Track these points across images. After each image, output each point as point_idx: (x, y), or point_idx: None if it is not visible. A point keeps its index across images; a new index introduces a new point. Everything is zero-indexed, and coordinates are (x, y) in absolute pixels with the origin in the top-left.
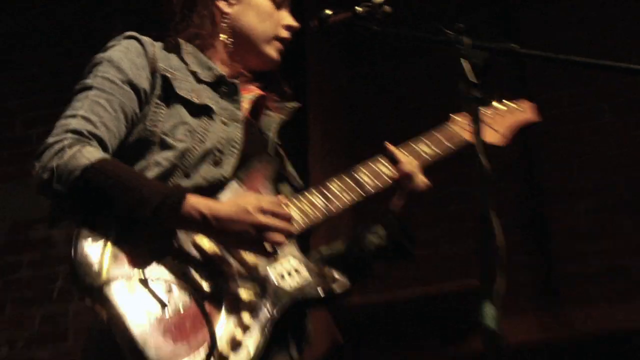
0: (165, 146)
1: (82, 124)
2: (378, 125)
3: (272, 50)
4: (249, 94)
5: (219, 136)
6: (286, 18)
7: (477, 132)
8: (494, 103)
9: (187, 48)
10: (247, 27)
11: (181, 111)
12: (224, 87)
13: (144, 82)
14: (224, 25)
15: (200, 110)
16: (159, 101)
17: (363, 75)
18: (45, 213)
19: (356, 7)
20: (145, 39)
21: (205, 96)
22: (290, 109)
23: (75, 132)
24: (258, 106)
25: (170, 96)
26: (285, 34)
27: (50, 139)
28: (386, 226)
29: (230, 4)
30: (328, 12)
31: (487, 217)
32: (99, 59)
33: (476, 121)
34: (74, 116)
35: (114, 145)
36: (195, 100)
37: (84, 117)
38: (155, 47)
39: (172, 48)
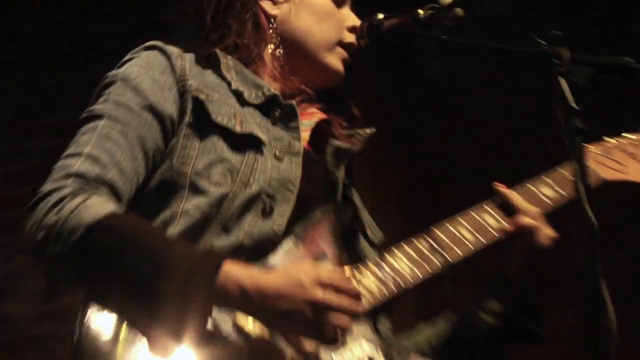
0: (196, 191)
1: (88, 166)
2: (444, 162)
3: (335, 60)
4: (309, 119)
5: (270, 176)
6: (350, 17)
7: (580, 174)
8: (607, 138)
9: (227, 61)
10: (301, 32)
11: (219, 144)
12: (278, 111)
13: (169, 107)
14: (272, 31)
15: (245, 143)
16: (190, 131)
17: (420, 97)
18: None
19: (418, 11)
20: (172, 50)
21: (253, 122)
22: (363, 137)
23: (79, 176)
24: (321, 135)
25: (204, 124)
26: (350, 37)
27: (47, 186)
28: (500, 299)
29: (277, 3)
30: (380, 15)
31: (596, 287)
32: (112, 78)
33: (579, 160)
34: (78, 155)
35: (131, 192)
36: (237, 130)
37: (91, 157)
38: (186, 60)
39: (208, 62)
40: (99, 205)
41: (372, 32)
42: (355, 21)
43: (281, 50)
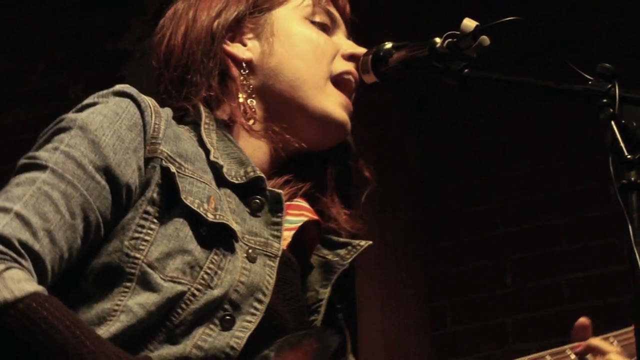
0: (146, 285)
1: (15, 229)
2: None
3: (330, 103)
4: (296, 215)
5: (236, 279)
6: (345, 44)
7: (635, 235)
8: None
9: (209, 121)
10: (281, 73)
11: (183, 231)
12: (259, 199)
13: (129, 174)
14: (242, 78)
15: (215, 234)
16: (150, 209)
17: (440, 140)
18: None
19: (435, 40)
20: (147, 103)
21: (227, 209)
22: (354, 250)
23: (0, 240)
24: (307, 239)
25: (170, 204)
26: (347, 66)
27: None
28: None
29: (244, 44)
30: (388, 44)
31: None
32: (68, 123)
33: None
34: (5, 211)
35: (60, 269)
36: (209, 217)
37: (21, 217)
38: (161, 119)
39: (186, 119)
40: (19, 283)
41: (379, 65)
42: (352, 47)
43: (253, 101)
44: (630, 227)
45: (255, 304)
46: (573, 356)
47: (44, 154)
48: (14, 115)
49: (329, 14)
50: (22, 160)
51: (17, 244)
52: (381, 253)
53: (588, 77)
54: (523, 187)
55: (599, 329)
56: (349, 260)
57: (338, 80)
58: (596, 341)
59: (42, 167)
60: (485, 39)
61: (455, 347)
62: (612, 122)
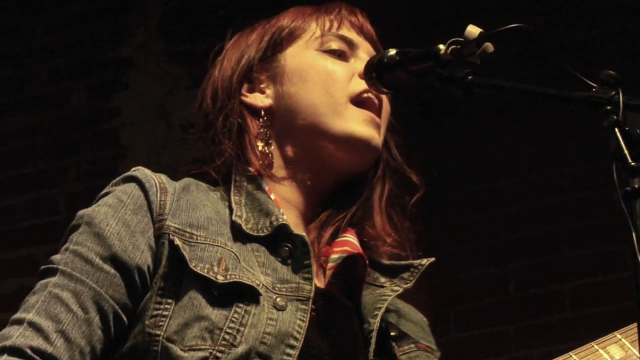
0: (168, 359)
1: (26, 337)
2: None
3: (351, 123)
4: (339, 252)
5: (261, 331)
6: (358, 62)
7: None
8: None
9: (239, 178)
10: (298, 110)
11: (197, 299)
12: (287, 245)
13: (139, 256)
14: (261, 126)
15: (231, 294)
16: (164, 285)
17: (445, 148)
18: None
19: (439, 46)
20: (153, 180)
21: (251, 265)
22: (417, 270)
23: (14, 351)
24: (358, 272)
25: (181, 275)
26: (364, 85)
27: None
28: None
29: (263, 92)
30: (392, 51)
31: None
32: (78, 220)
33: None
34: (20, 323)
35: None
36: (219, 280)
37: (33, 325)
38: (167, 194)
39: (216, 184)
40: None
41: (383, 72)
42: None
43: (271, 146)
44: (634, 234)
45: (288, 350)
46: None
47: (56, 257)
48: (17, 122)
49: (342, 38)
50: (44, 266)
51: (29, 351)
52: None
53: (592, 84)
54: (526, 194)
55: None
56: (409, 285)
57: (359, 101)
58: None
59: (53, 271)
60: (489, 46)
61: (458, 354)
62: (616, 129)
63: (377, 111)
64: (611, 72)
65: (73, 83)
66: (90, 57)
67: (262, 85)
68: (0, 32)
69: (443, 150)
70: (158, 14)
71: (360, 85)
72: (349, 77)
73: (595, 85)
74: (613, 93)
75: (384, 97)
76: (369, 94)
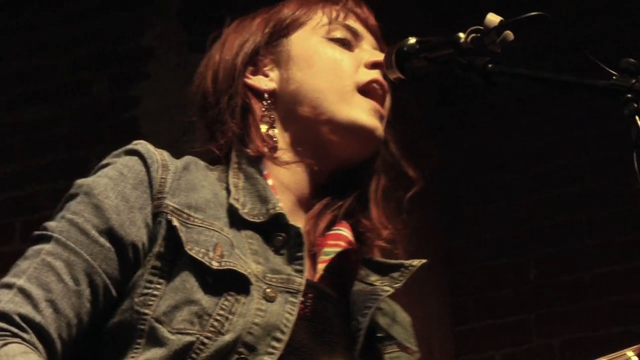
0: (154, 341)
1: (16, 304)
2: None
3: (356, 111)
4: (333, 245)
5: (249, 321)
6: (367, 53)
7: None
8: None
9: (238, 160)
10: (302, 94)
11: (189, 282)
12: (281, 235)
13: (135, 232)
14: (265, 109)
15: (224, 281)
16: (158, 264)
17: (465, 137)
18: None
19: (459, 35)
20: (155, 158)
21: (244, 252)
22: (407, 271)
23: (1, 317)
24: (350, 267)
25: (176, 257)
26: (370, 75)
27: None
28: None
29: (267, 75)
30: (412, 40)
31: None
32: (76, 189)
33: None
34: (9, 287)
35: (70, 335)
36: (214, 265)
37: (23, 291)
38: (169, 172)
39: (216, 164)
40: (14, 356)
41: (403, 60)
42: (374, 55)
43: (275, 130)
44: None
45: (273, 343)
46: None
47: (51, 224)
48: (38, 112)
49: (348, 28)
50: (35, 232)
51: (17, 318)
52: (403, 250)
53: (612, 72)
54: (546, 183)
55: (622, 325)
56: (398, 285)
57: (365, 90)
58: None
59: (47, 238)
60: (509, 34)
61: (478, 343)
62: (637, 118)
63: (382, 103)
64: (631, 60)
65: (93, 73)
66: (111, 48)
67: (265, 69)
68: (20, 24)
69: (463, 140)
70: (178, 3)
71: (367, 75)
72: (355, 66)
73: (615, 73)
74: (634, 81)
75: (388, 90)
76: (376, 85)
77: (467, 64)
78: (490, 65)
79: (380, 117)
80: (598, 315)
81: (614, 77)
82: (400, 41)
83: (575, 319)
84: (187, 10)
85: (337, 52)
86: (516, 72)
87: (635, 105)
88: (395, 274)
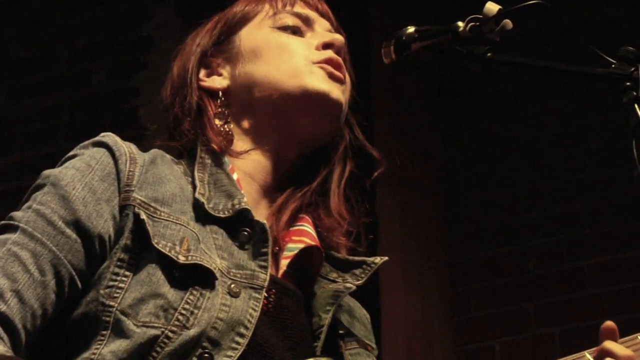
0: (119, 333)
1: None
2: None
3: (309, 78)
4: (297, 242)
5: (214, 316)
6: (317, 36)
7: None
8: None
9: (204, 155)
10: (253, 84)
11: (156, 275)
12: (246, 230)
13: (102, 224)
14: (220, 108)
15: (190, 275)
16: (124, 256)
17: (465, 127)
18: None
19: (458, 24)
20: (123, 149)
21: (209, 247)
22: (369, 268)
23: None
24: (313, 263)
25: (143, 250)
26: (323, 55)
27: None
28: None
29: (220, 74)
30: (411, 29)
31: None
32: (43, 179)
33: None
34: None
35: (34, 326)
36: (180, 260)
37: None
38: (137, 165)
39: (182, 158)
40: None
41: (402, 50)
42: (323, 37)
43: (230, 124)
44: None
45: (237, 339)
46: None
47: (18, 214)
48: (37, 103)
49: (297, 15)
50: (3, 221)
51: None
52: (404, 240)
53: (611, 60)
54: (545, 172)
55: (622, 314)
56: (360, 282)
57: (317, 62)
58: (610, 344)
59: (14, 228)
60: (508, 23)
61: (477, 333)
62: (636, 106)
63: (335, 65)
64: (630, 48)
65: (93, 63)
66: (110, 38)
67: (219, 69)
68: (20, 14)
69: (463, 130)
70: None
71: (321, 55)
72: (305, 48)
73: (614, 61)
74: (632, 69)
75: (345, 69)
76: (329, 64)
77: (466, 53)
78: (489, 54)
79: (337, 80)
80: (598, 304)
81: (613, 66)
82: (398, 30)
83: (575, 308)
84: (186, 0)
85: (284, 37)
86: (515, 60)
87: (634, 93)
88: (357, 271)
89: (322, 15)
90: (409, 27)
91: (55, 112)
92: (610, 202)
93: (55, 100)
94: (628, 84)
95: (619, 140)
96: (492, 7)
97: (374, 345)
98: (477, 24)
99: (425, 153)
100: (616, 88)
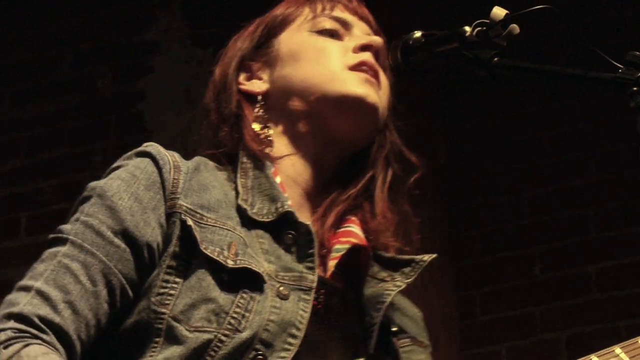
0: (172, 339)
1: (35, 306)
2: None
3: (345, 84)
4: (344, 242)
5: (265, 318)
6: (355, 39)
7: None
8: None
9: (246, 161)
10: (292, 88)
11: (206, 281)
12: (291, 233)
13: (150, 232)
14: (259, 112)
15: (239, 279)
16: (174, 263)
17: (472, 131)
18: None
19: (465, 28)
20: (167, 159)
21: (257, 251)
22: (418, 266)
23: (20, 319)
24: (361, 263)
25: (192, 256)
26: (359, 57)
27: None
28: None
29: (260, 78)
30: (417, 33)
31: None
32: (90, 191)
33: None
34: (27, 289)
35: (88, 336)
36: (229, 264)
37: (41, 294)
38: (181, 172)
39: (223, 165)
40: (36, 357)
41: (408, 54)
42: (361, 39)
43: (269, 129)
44: None
45: (289, 340)
46: None
47: (66, 227)
48: (42, 107)
49: (336, 19)
50: (52, 234)
51: (36, 320)
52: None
53: (618, 65)
54: (551, 176)
55: (629, 319)
56: (410, 281)
57: (355, 67)
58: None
59: (63, 241)
60: (515, 28)
61: (483, 337)
62: None
63: (373, 71)
64: (638, 53)
65: (98, 67)
66: (115, 41)
67: (258, 72)
68: (24, 17)
69: (469, 133)
70: None
71: (356, 58)
72: (343, 52)
73: (621, 66)
74: (639, 74)
75: (382, 73)
76: (365, 66)
77: (472, 58)
78: (495, 59)
79: (373, 85)
80: (604, 309)
81: (620, 70)
82: (405, 35)
83: (581, 313)
84: (192, 4)
85: (321, 41)
86: (522, 65)
87: None
88: (407, 269)
89: (362, 18)
90: (415, 31)
91: (60, 116)
92: (617, 206)
93: (60, 104)
94: (635, 88)
95: (626, 144)
96: (499, 12)
97: (427, 342)
98: (484, 28)
99: (430, 157)
100: (623, 93)
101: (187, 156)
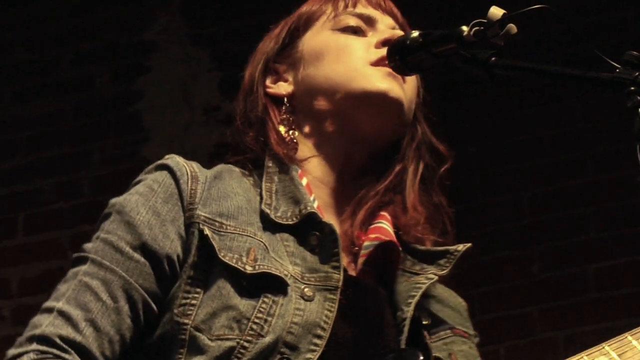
0: (195, 349)
1: (55, 326)
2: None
3: (368, 80)
4: (372, 239)
5: (288, 321)
6: (378, 34)
7: None
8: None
9: (271, 164)
10: (316, 87)
11: (225, 288)
12: (315, 234)
13: (169, 245)
14: (285, 114)
15: (259, 284)
16: (194, 274)
17: (470, 131)
18: None
19: (462, 28)
20: (185, 169)
21: (280, 255)
22: (453, 257)
23: (43, 340)
24: (388, 259)
25: (210, 265)
26: (382, 52)
27: (11, 351)
28: None
29: (286, 80)
30: (415, 33)
31: None
32: (109, 208)
33: None
34: (49, 311)
35: (112, 352)
36: (248, 270)
37: (62, 314)
38: (198, 182)
39: (248, 170)
40: None
41: (406, 54)
42: (384, 33)
43: (295, 132)
44: None
45: (315, 340)
46: None
47: (88, 245)
48: (41, 106)
49: (358, 15)
50: (74, 255)
51: (58, 340)
52: None
53: (615, 64)
54: (551, 176)
55: (627, 318)
56: (445, 272)
57: (376, 63)
58: None
59: (84, 260)
60: (512, 27)
61: (482, 336)
62: None
63: (397, 66)
64: (635, 53)
65: (96, 67)
66: (114, 41)
67: (284, 74)
68: (23, 17)
69: (467, 133)
70: None
71: (378, 53)
72: (364, 48)
73: (619, 66)
74: (637, 74)
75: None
76: (386, 61)
77: (470, 58)
78: (493, 59)
79: (395, 79)
80: (603, 308)
81: (617, 70)
82: (403, 35)
83: (580, 312)
84: (190, 4)
85: (343, 39)
86: (520, 65)
87: (638, 97)
88: (442, 261)
89: (386, 12)
90: (413, 31)
91: (59, 115)
92: (615, 206)
93: (59, 104)
94: (632, 88)
95: (624, 143)
96: (496, 12)
97: (471, 332)
98: (482, 28)
99: None
100: (621, 92)
101: (186, 156)
